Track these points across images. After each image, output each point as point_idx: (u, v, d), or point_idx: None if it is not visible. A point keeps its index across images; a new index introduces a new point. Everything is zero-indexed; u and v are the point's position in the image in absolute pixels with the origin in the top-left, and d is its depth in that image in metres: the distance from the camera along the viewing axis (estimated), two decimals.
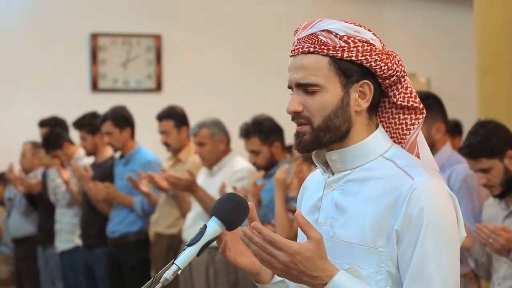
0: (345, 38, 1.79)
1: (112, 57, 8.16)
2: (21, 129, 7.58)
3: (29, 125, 7.25)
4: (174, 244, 5.23)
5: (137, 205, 5.44)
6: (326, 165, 1.88)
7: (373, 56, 1.80)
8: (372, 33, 1.83)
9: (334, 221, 1.83)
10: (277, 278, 1.90)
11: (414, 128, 1.87)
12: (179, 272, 1.69)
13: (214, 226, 1.75)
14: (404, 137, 1.88)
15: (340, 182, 1.84)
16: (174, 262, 1.69)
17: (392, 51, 1.85)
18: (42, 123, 6.79)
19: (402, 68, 1.84)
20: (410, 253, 1.72)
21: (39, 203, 6.64)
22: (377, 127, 1.87)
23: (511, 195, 3.44)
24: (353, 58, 1.79)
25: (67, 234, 6.14)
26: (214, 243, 1.80)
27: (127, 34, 8.22)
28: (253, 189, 4.29)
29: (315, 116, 1.80)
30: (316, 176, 1.97)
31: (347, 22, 1.83)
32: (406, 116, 1.87)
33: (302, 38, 1.83)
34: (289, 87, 1.85)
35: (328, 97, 1.80)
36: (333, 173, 1.87)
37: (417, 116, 1.87)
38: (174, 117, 5.37)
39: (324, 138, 1.81)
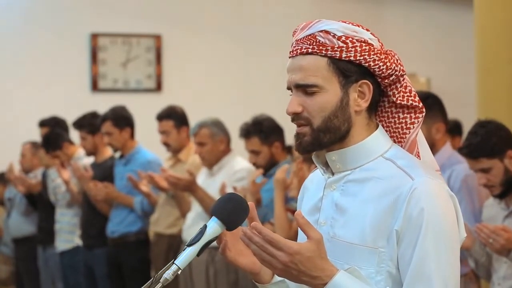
0: (343, 38, 1.79)
1: (112, 57, 8.16)
2: (21, 129, 7.58)
3: (29, 125, 7.25)
4: (174, 244, 5.23)
5: (137, 205, 5.44)
6: (326, 165, 1.88)
7: (371, 56, 1.80)
8: (371, 33, 1.83)
9: (334, 222, 1.83)
10: (277, 278, 1.90)
11: (413, 127, 1.87)
12: (179, 272, 1.69)
13: (214, 226, 1.75)
14: (404, 136, 1.88)
15: (340, 182, 1.84)
16: (174, 262, 1.69)
17: (391, 51, 1.85)
18: (42, 123, 6.79)
19: (401, 67, 1.84)
20: (410, 253, 1.72)
21: (39, 203, 6.64)
22: (377, 127, 1.87)
23: (511, 195, 3.44)
24: (352, 58, 1.79)
25: (67, 234, 6.14)
26: (214, 243, 1.80)
27: (127, 34, 8.22)
28: (252, 187, 4.26)
29: (314, 117, 1.80)
30: (316, 176, 1.97)
31: (345, 22, 1.82)
32: (405, 115, 1.87)
33: (301, 39, 1.83)
34: (288, 88, 1.85)
35: (328, 97, 1.80)
36: (333, 174, 1.87)
37: (417, 115, 1.87)
38: (174, 117, 5.37)
39: (324, 139, 1.81)
